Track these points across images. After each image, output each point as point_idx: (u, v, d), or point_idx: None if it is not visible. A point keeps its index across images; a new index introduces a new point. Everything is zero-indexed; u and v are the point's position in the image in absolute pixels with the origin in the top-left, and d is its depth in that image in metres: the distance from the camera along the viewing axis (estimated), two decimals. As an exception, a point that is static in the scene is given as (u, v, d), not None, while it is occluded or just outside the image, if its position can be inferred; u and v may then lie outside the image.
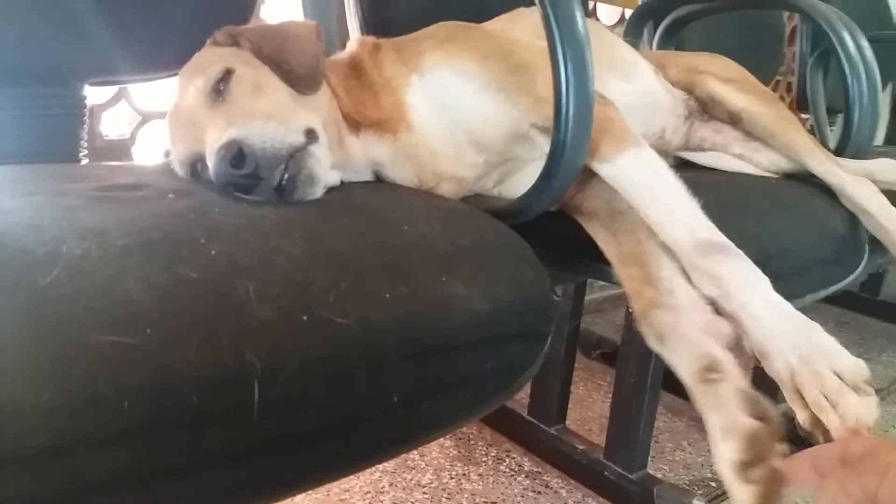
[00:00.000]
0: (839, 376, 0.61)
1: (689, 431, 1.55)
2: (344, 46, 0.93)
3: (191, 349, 0.39)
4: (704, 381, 0.64)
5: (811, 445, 0.57)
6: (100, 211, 0.54)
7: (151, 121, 1.38)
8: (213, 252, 0.47)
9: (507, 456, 1.41)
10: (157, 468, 0.37)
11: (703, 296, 0.70)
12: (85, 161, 0.95)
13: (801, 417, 0.62)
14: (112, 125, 1.34)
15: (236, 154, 0.60)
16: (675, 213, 0.72)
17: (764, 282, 0.68)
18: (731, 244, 0.70)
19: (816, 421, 0.61)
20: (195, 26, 0.96)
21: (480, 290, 0.54)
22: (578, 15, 0.69)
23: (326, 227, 0.57)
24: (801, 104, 2.11)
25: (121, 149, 1.34)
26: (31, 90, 0.87)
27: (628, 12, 2.10)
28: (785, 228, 0.87)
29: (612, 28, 2.11)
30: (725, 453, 0.57)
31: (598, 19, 2.06)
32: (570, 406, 1.45)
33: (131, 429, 0.37)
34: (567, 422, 1.44)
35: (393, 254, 0.54)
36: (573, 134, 0.70)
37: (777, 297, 0.67)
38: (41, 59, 0.87)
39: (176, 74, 1.08)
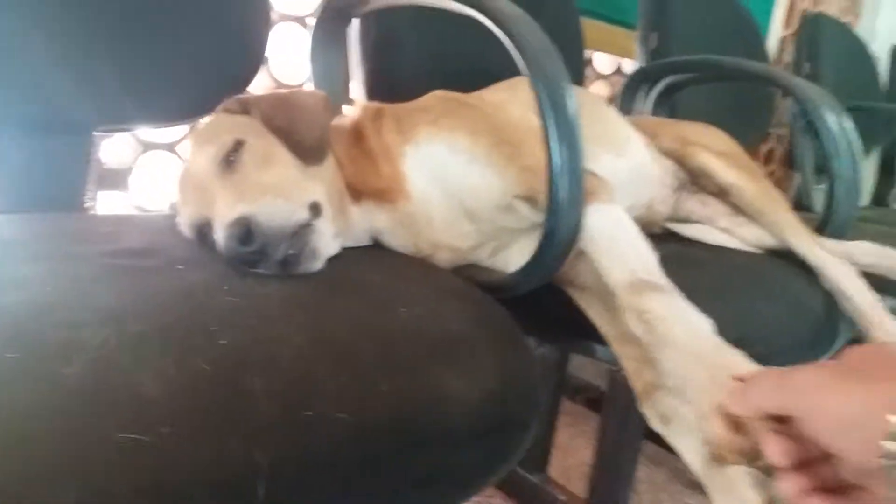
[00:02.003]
0: None
1: (669, 482, 1.58)
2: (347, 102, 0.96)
3: (203, 449, 0.42)
4: (715, 465, 0.67)
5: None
6: (113, 286, 0.57)
7: (151, 151, 1.39)
8: (222, 342, 0.50)
9: (489, 502, 1.43)
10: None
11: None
12: (88, 199, 0.97)
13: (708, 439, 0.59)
14: (112, 154, 1.36)
15: (245, 232, 0.63)
16: (624, 258, 0.73)
17: (693, 316, 0.67)
18: (670, 285, 0.70)
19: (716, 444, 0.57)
20: (204, 80, 1.01)
21: (471, 382, 0.57)
22: (571, 104, 0.73)
23: (327, 310, 0.60)
24: (790, 162, 2.17)
25: (119, 178, 1.35)
26: (40, 138, 0.89)
27: (625, 62, 2.16)
28: (765, 312, 0.90)
29: (609, 77, 2.16)
30: None
31: (595, 69, 2.11)
32: (553, 451, 1.47)
33: (146, 527, 0.39)
34: (550, 468, 1.46)
35: (389, 342, 0.57)
36: (565, 215, 0.73)
37: (701, 326, 0.65)
38: (52, 108, 0.89)
39: (185, 123, 1.11)
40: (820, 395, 0.42)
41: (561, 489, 1.40)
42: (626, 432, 1.24)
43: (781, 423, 0.46)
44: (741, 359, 0.61)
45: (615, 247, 0.75)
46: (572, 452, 1.65)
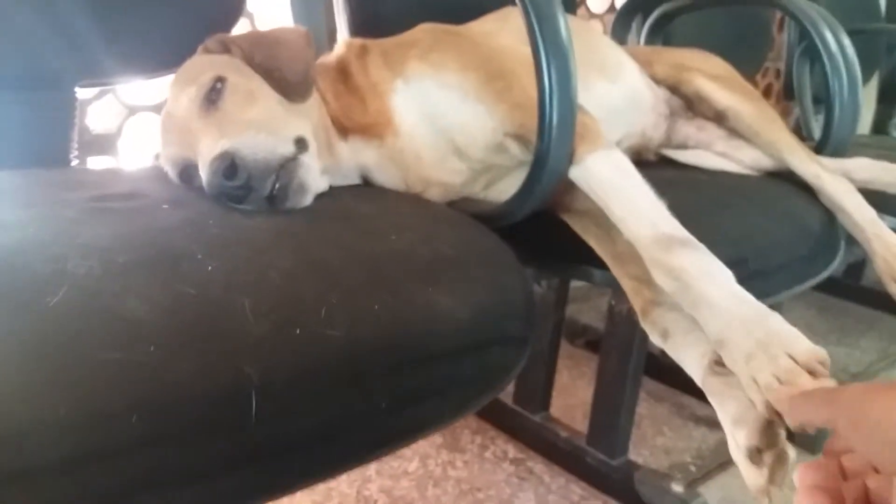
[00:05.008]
0: (794, 360, 0.59)
1: (670, 417, 1.59)
2: (333, 45, 0.95)
3: (192, 365, 0.42)
4: (715, 374, 0.67)
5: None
6: (99, 224, 0.57)
7: (138, 114, 1.38)
8: (209, 268, 0.50)
9: (492, 443, 1.44)
10: (164, 477, 0.40)
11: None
12: (75, 159, 0.96)
13: (759, 406, 0.60)
14: (98, 119, 1.35)
15: (229, 166, 0.62)
16: (639, 208, 0.72)
17: (723, 272, 0.67)
18: (694, 239, 0.69)
19: (773, 409, 0.59)
20: (184, 28, 0.99)
21: (462, 300, 0.57)
22: (562, 24, 0.71)
23: (316, 238, 0.59)
24: (788, 93, 2.14)
25: (107, 143, 1.35)
26: (23, 94, 0.88)
27: (618, 0, 2.12)
28: (762, 228, 0.90)
29: (601, 16, 2.12)
30: (740, 440, 0.61)
31: (588, 8, 2.07)
32: (554, 394, 1.48)
33: (140, 441, 0.39)
34: (551, 409, 1.47)
35: (380, 265, 0.57)
36: (556, 141, 0.72)
37: (736, 287, 0.66)
38: (33, 63, 0.88)
39: (165, 74, 1.10)
40: (866, 407, 0.42)
41: (563, 427, 1.41)
42: (626, 367, 1.25)
43: None
44: (787, 328, 0.61)
45: (626, 196, 0.74)
46: (574, 393, 1.66)
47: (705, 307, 0.65)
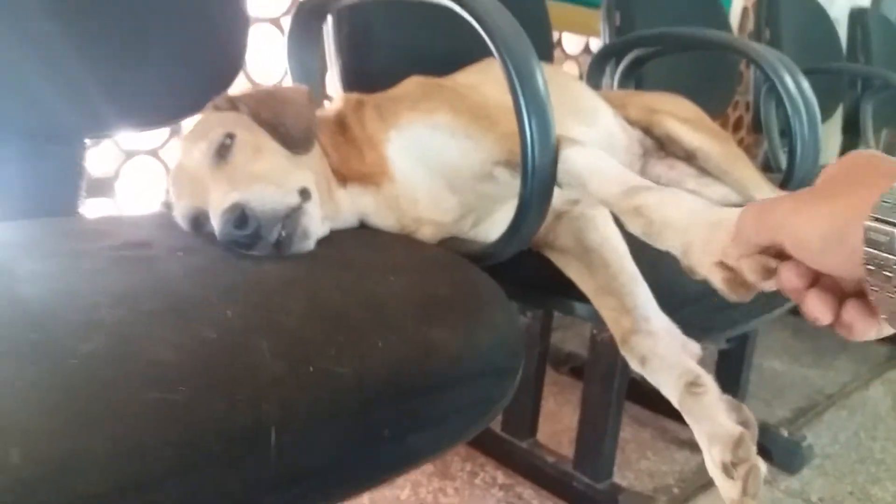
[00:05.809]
0: None
1: (654, 441, 1.64)
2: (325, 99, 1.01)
3: (217, 403, 0.47)
4: (690, 395, 0.73)
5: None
6: (120, 273, 0.62)
7: (135, 157, 1.42)
8: (228, 313, 0.55)
9: (482, 470, 1.48)
10: (194, 504, 0.45)
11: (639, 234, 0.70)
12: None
13: (723, 285, 0.58)
14: (97, 163, 1.39)
15: (239, 216, 0.68)
16: (611, 178, 0.75)
17: (682, 197, 0.68)
18: (659, 186, 0.72)
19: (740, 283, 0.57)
20: (185, 83, 1.04)
21: (457, 336, 0.63)
22: (541, 82, 0.78)
23: (321, 281, 0.65)
24: (757, 127, 2.24)
25: (105, 186, 1.39)
26: (35, 146, 0.93)
27: (593, 41, 2.21)
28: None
29: (577, 57, 2.21)
30: (714, 456, 0.67)
31: (563, 50, 2.16)
32: (541, 420, 1.53)
33: (171, 472, 0.44)
34: (538, 435, 1.52)
35: (381, 306, 0.62)
36: (538, 188, 0.78)
37: (694, 204, 0.65)
38: (43, 118, 0.93)
39: (167, 126, 1.15)
40: (794, 222, 0.43)
41: (550, 452, 1.45)
42: (610, 393, 1.30)
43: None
44: (732, 211, 0.59)
45: (600, 172, 0.77)
46: (560, 419, 1.71)
47: (668, 230, 0.65)
